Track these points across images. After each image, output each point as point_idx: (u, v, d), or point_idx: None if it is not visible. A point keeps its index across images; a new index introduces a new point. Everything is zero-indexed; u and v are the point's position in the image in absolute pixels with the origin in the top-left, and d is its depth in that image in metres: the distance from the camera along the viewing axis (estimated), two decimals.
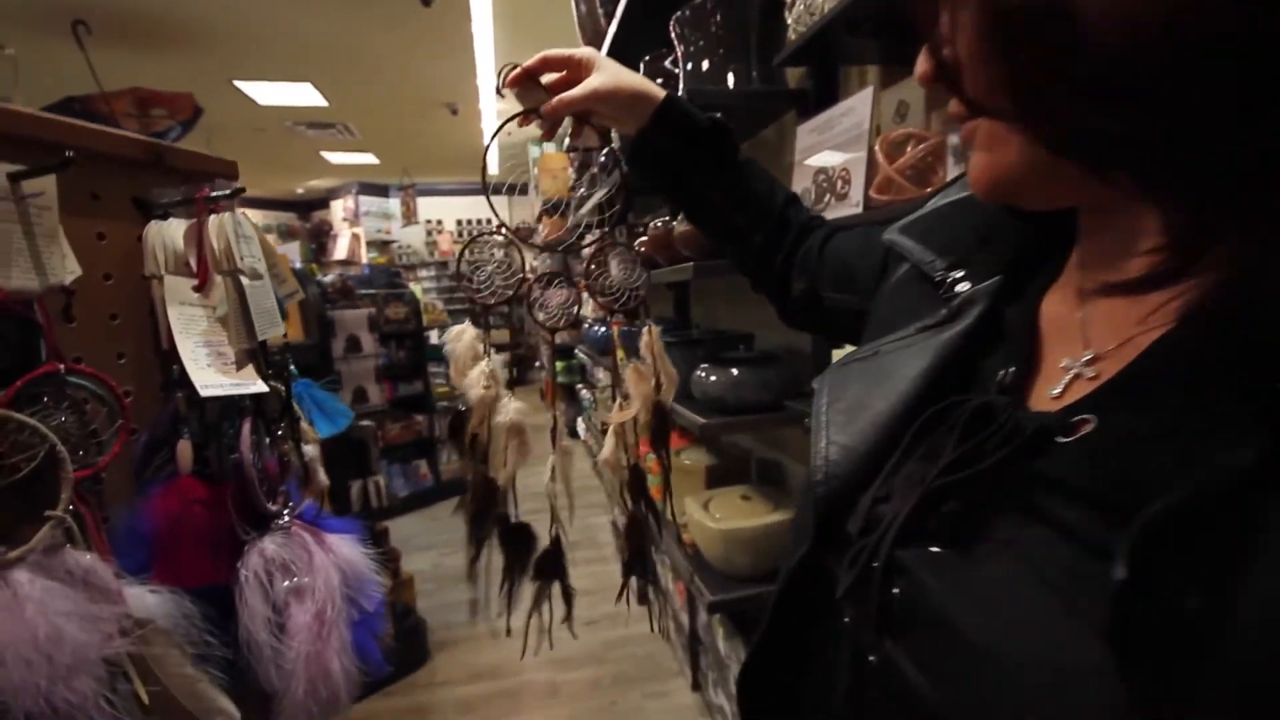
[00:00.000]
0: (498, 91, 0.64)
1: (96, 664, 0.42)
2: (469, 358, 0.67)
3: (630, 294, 0.71)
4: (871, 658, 0.33)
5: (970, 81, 0.30)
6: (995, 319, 0.38)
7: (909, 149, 0.97)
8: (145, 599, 0.45)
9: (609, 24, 2.02)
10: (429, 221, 8.56)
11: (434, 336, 5.35)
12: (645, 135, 0.62)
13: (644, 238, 1.87)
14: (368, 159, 7.06)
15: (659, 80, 1.68)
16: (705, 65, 1.39)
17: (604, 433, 0.74)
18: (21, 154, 0.51)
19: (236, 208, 0.60)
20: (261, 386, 0.58)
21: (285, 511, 0.59)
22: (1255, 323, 0.24)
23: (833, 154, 1.16)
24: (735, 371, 1.50)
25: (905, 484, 0.34)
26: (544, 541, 0.74)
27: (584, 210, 0.74)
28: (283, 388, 0.60)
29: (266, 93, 4.61)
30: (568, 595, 0.74)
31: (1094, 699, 0.22)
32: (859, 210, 1.07)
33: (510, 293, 0.68)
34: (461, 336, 0.68)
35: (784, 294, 0.65)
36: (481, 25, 3.68)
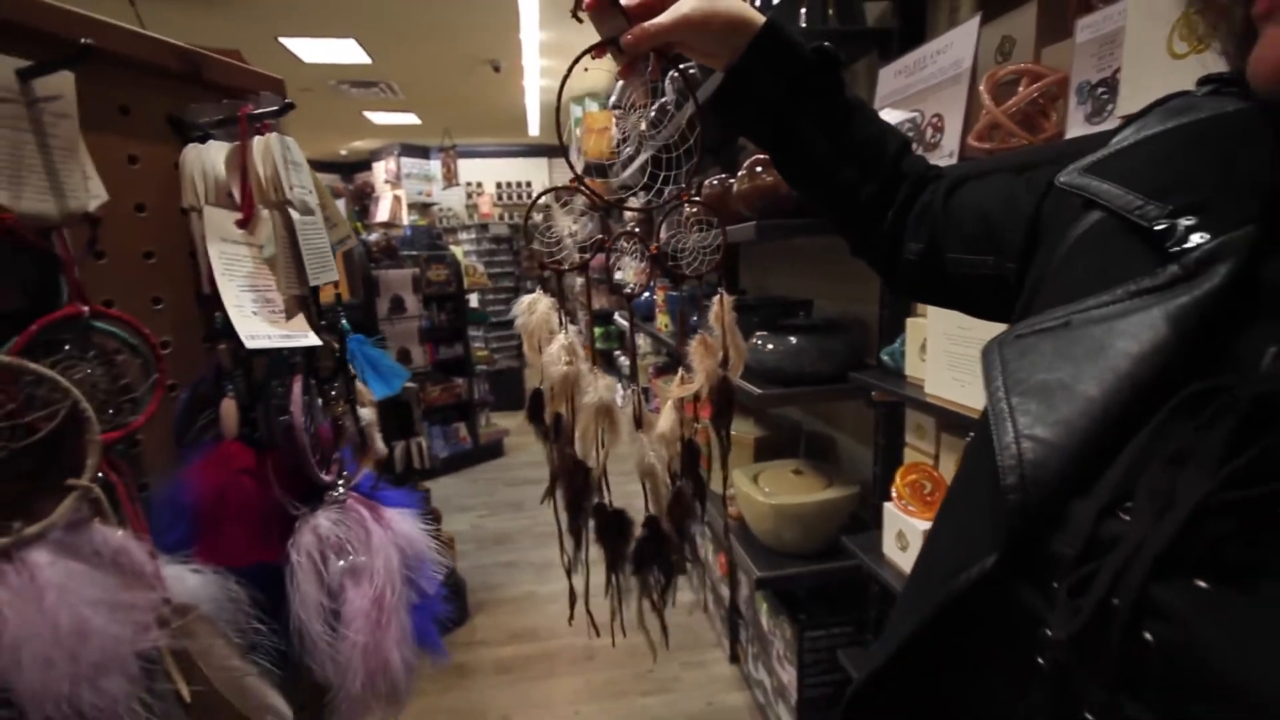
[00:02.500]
0: (574, 14, 0.55)
1: (130, 661, 0.36)
2: (545, 330, 0.60)
3: (706, 258, 0.63)
4: (1089, 716, 0.25)
5: None
6: (1250, 281, 0.29)
7: (1021, 87, 0.85)
8: (186, 580, 0.39)
9: None
10: (469, 184, 8.52)
11: (474, 300, 5.37)
12: (741, 70, 0.53)
13: (696, 197, 1.78)
14: (410, 119, 7.01)
15: None
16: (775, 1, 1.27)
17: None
18: (34, 51, 0.43)
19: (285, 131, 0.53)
20: (314, 339, 0.51)
21: (339, 482, 0.53)
22: None
23: (920, 92, 1.04)
24: (795, 340, 1.40)
25: (1149, 495, 0.26)
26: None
27: (639, 159, 0.66)
28: (336, 343, 0.54)
29: (311, 49, 4.57)
30: (669, 579, 0.68)
31: None
32: (953, 159, 0.96)
33: (589, 256, 0.61)
34: (535, 307, 0.60)
35: (895, 256, 0.56)
36: None
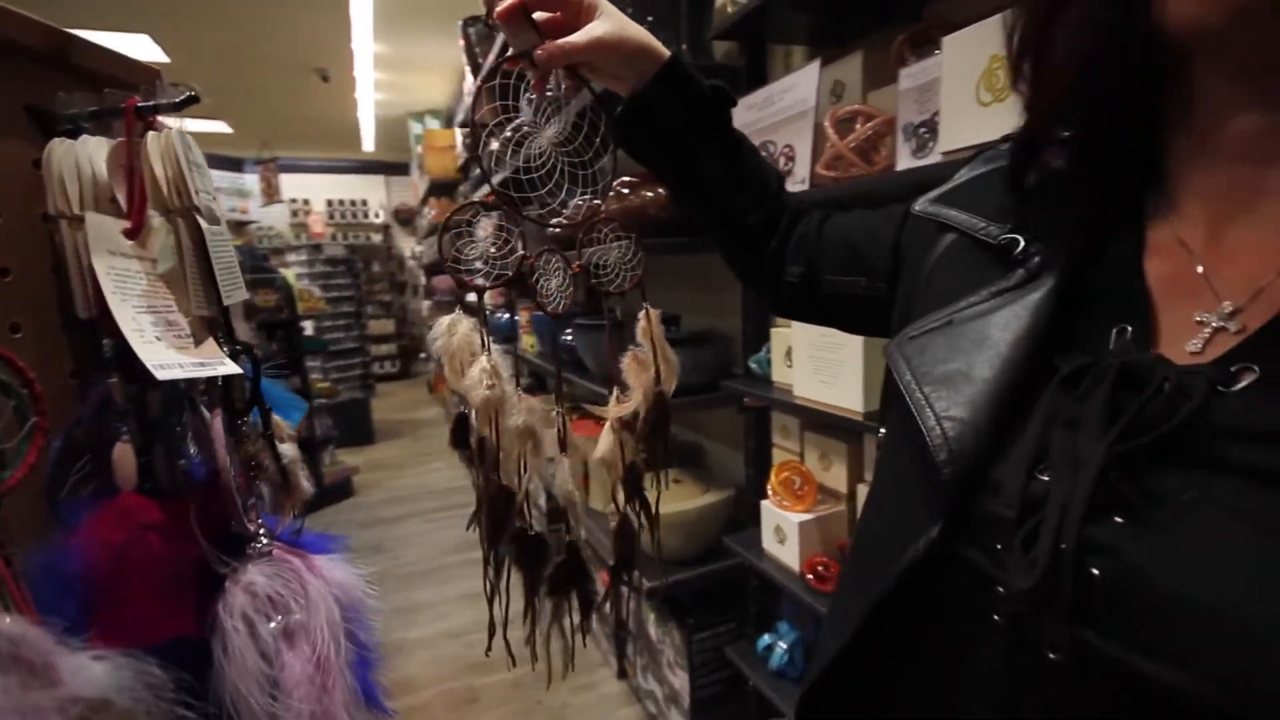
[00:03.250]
0: (484, 22, 0.54)
1: None
2: (467, 353, 0.57)
3: (627, 274, 0.64)
4: (1053, 655, 0.30)
5: None
6: (1078, 276, 0.37)
7: (858, 125, 0.98)
8: (90, 670, 0.31)
9: None
10: (294, 200, 7.77)
11: (309, 327, 4.87)
12: (646, 96, 0.56)
13: (561, 219, 1.79)
14: (218, 127, 6.25)
15: None
16: None
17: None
18: None
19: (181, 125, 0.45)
20: (232, 367, 0.43)
21: (261, 531, 0.45)
22: None
23: (770, 125, 1.15)
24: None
25: (1062, 455, 0.31)
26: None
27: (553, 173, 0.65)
28: (250, 370, 0.46)
29: (97, 42, 3.91)
30: (587, 604, 0.67)
31: None
32: (805, 187, 1.07)
33: (509, 274, 0.59)
34: (455, 329, 0.57)
35: (778, 280, 0.62)
36: None
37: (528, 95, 0.57)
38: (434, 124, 5.90)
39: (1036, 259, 0.39)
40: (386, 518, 3.61)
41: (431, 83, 5.34)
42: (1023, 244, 0.40)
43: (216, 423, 0.44)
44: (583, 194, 0.60)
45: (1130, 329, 0.34)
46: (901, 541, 0.36)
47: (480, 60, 2.68)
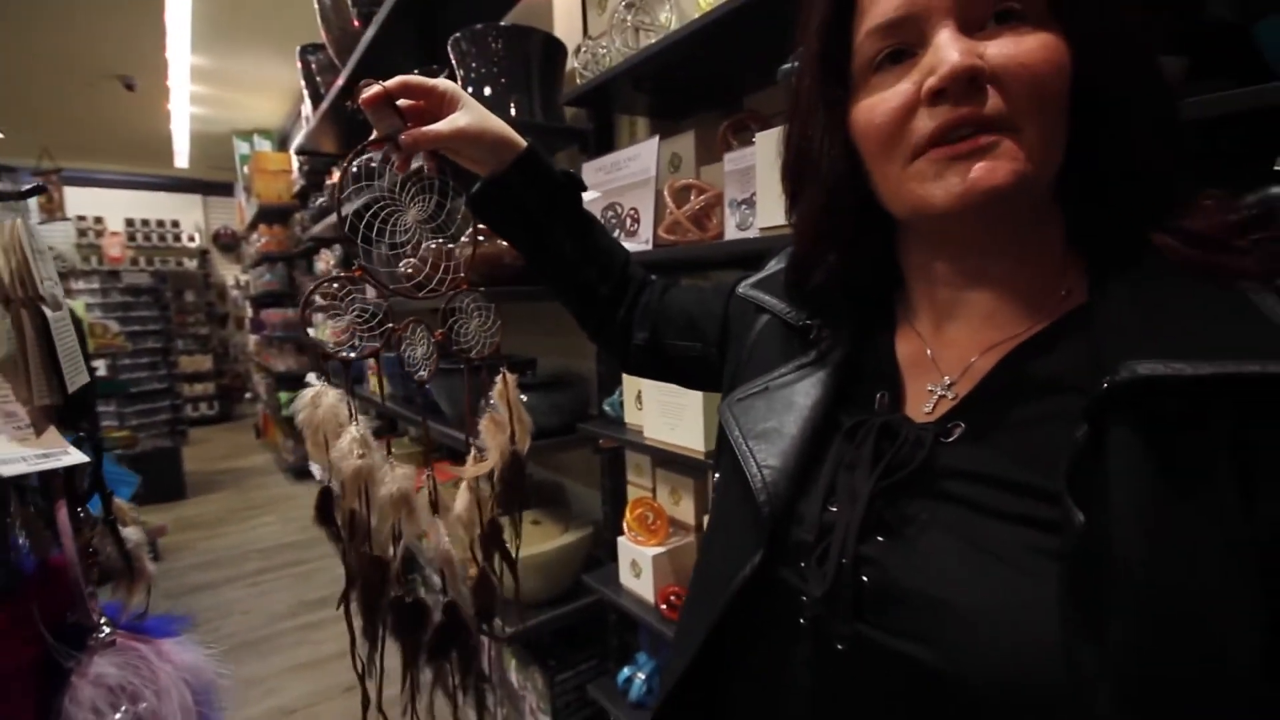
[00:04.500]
0: (350, 106, 0.56)
1: None
2: (334, 424, 0.57)
3: (486, 341, 0.68)
4: (840, 646, 0.39)
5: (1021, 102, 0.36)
6: (856, 356, 0.48)
7: (692, 197, 1.11)
8: None
9: (364, 26, 1.86)
10: (83, 219, 6.67)
11: (101, 368, 4.18)
12: (503, 180, 0.61)
13: (412, 260, 1.76)
14: None
15: None
16: (488, 91, 1.39)
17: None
18: None
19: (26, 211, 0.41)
20: (79, 456, 0.40)
21: (103, 621, 0.41)
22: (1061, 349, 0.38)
23: (617, 189, 1.25)
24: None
25: (844, 491, 0.41)
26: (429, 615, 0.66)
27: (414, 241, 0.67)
28: (91, 455, 0.42)
29: None
30: (467, 662, 0.67)
31: (1031, 614, 0.32)
32: (649, 247, 1.18)
33: (377, 345, 0.60)
34: (319, 401, 0.57)
35: (626, 343, 0.69)
36: None
37: (390, 175, 0.60)
38: (264, 145, 5.45)
39: (826, 340, 0.50)
40: (199, 584, 3.15)
41: (260, 101, 4.94)
42: (817, 327, 0.51)
43: (61, 514, 0.41)
44: (434, 239, 0.64)
45: (887, 395, 0.46)
46: (733, 567, 0.44)
47: (322, 91, 2.56)
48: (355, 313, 0.58)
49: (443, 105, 0.58)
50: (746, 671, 0.47)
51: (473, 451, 0.69)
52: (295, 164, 4.32)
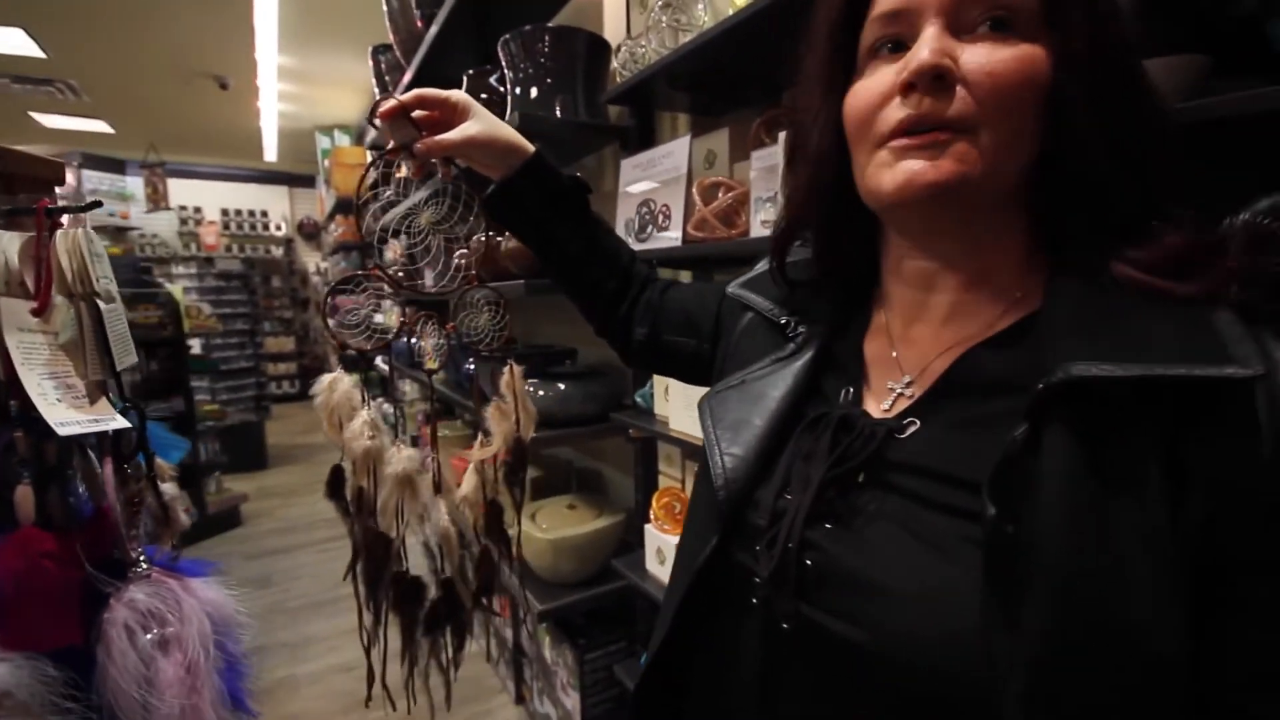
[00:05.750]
0: (369, 121, 0.62)
1: None
2: (347, 408, 0.63)
3: (496, 335, 0.73)
4: (785, 625, 0.41)
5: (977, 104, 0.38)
6: (827, 352, 0.51)
7: (720, 194, 1.12)
8: None
9: (427, 27, 1.96)
10: (183, 208, 7.26)
11: (196, 346, 4.57)
12: (512, 184, 0.65)
13: (463, 251, 1.85)
14: (97, 126, 5.78)
15: (483, 97, 1.68)
16: (534, 92, 1.44)
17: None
18: None
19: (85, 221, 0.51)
20: (122, 422, 0.49)
21: (141, 558, 0.51)
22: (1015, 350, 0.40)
23: (652, 185, 1.28)
24: (563, 386, 1.56)
25: (798, 480, 0.44)
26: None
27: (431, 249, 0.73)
28: (137, 423, 0.52)
29: None
30: (461, 636, 0.73)
31: (955, 601, 0.34)
32: (679, 242, 1.20)
33: (390, 338, 0.66)
34: (336, 386, 0.64)
35: (628, 337, 0.73)
36: None
37: (402, 179, 0.66)
38: (343, 139, 5.76)
39: (801, 335, 0.52)
40: (276, 548, 3.43)
41: (340, 98, 5.22)
42: (794, 323, 0.53)
43: (107, 468, 0.50)
44: (457, 253, 0.69)
45: (852, 390, 0.48)
46: (696, 550, 0.48)
47: (390, 88, 2.70)
48: (371, 308, 0.64)
49: (455, 115, 0.63)
50: (705, 647, 0.50)
51: (479, 437, 0.74)
52: (368, 158, 4.55)
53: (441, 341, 0.71)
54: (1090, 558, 0.31)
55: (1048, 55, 0.37)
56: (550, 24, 1.42)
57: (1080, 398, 0.33)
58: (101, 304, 0.51)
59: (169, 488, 0.56)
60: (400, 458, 0.66)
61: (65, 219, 0.51)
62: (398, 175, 0.67)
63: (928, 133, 0.38)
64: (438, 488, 0.71)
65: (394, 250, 3.77)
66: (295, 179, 7.81)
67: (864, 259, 0.51)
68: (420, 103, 0.62)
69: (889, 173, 0.40)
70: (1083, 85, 0.37)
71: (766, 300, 0.57)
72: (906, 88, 0.39)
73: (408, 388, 3.46)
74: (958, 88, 0.37)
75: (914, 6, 0.39)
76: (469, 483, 0.74)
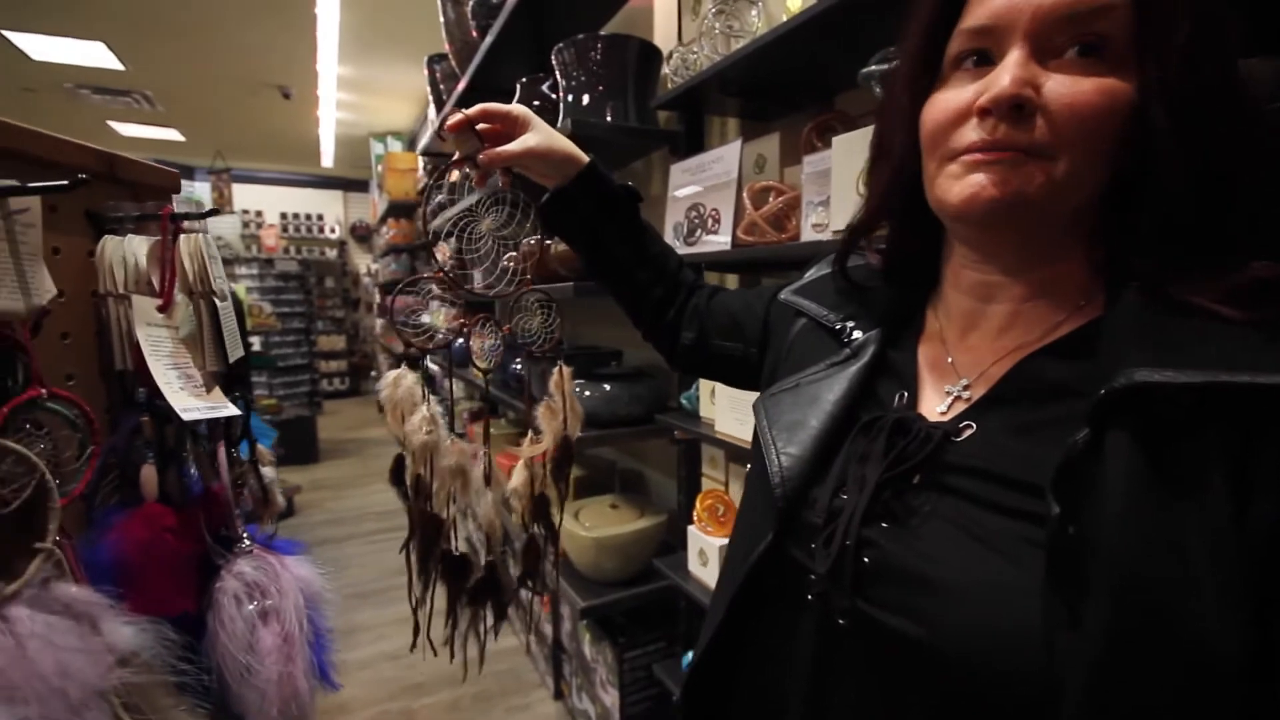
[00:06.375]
0: (439, 134, 0.67)
1: (100, 699, 0.41)
2: (409, 403, 0.68)
3: (547, 336, 0.76)
4: (841, 620, 0.42)
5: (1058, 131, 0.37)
6: (882, 357, 0.51)
7: (771, 199, 1.13)
8: (125, 630, 0.43)
9: (482, 37, 2.02)
10: (246, 212, 7.63)
11: (256, 343, 4.79)
12: (567, 192, 0.68)
13: (513, 254, 1.90)
14: (169, 135, 6.14)
15: (535, 104, 1.73)
16: (586, 99, 1.47)
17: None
18: None
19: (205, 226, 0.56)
20: (233, 409, 0.55)
21: (245, 535, 0.56)
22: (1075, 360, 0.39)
23: (700, 189, 1.30)
24: (609, 387, 1.58)
25: (854, 480, 0.45)
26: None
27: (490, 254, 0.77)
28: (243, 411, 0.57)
29: (43, 46, 3.84)
30: (500, 611, 0.77)
31: (1016, 599, 0.34)
32: (728, 246, 1.21)
33: (452, 337, 0.70)
34: (400, 383, 0.68)
35: (674, 341, 0.75)
36: (327, 5, 3.42)
37: (458, 184, 0.69)
38: (396, 145, 5.97)
39: (858, 340, 0.53)
40: (328, 538, 3.57)
41: (395, 106, 5.41)
42: (849, 329, 0.54)
43: (221, 452, 0.55)
44: (508, 257, 0.72)
45: (906, 394, 0.48)
46: (751, 546, 0.49)
47: (445, 96, 2.79)
48: (423, 309, 0.68)
49: (515, 128, 0.66)
50: (758, 641, 0.51)
51: (529, 434, 0.77)
52: (420, 163, 4.70)
53: (497, 342, 0.74)
54: (1153, 560, 0.31)
55: (1135, 87, 0.37)
56: (602, 32, 1.45)
57: (1143, 404, 0.33)
58: (217, 301, 0.56)
59: (268, 471, 0.61)
60: (453, 451, 0.69)
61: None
62: (450, 179, 0.71)
63: (1003, 150, 0.38)
64: (487, 479, 0.75)
65: (443, 252, 3.90)
66: (349, 184, 8.12)
67: (928, 263, 0.52)
68: (484, 116, 0.66)
69: (957, 185, 0.41)
70: (1170, 120, 0.36)
71: (820, 306, 0.58)
72: (983, 112, 0.39)
73: (449, 386, 3.55)
74: (1037, 115, 0.38)
75: (1003, 25, 0.39)
76: (519, 476, 0.77)
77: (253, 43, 3.94)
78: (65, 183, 0.48)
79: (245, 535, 0.56)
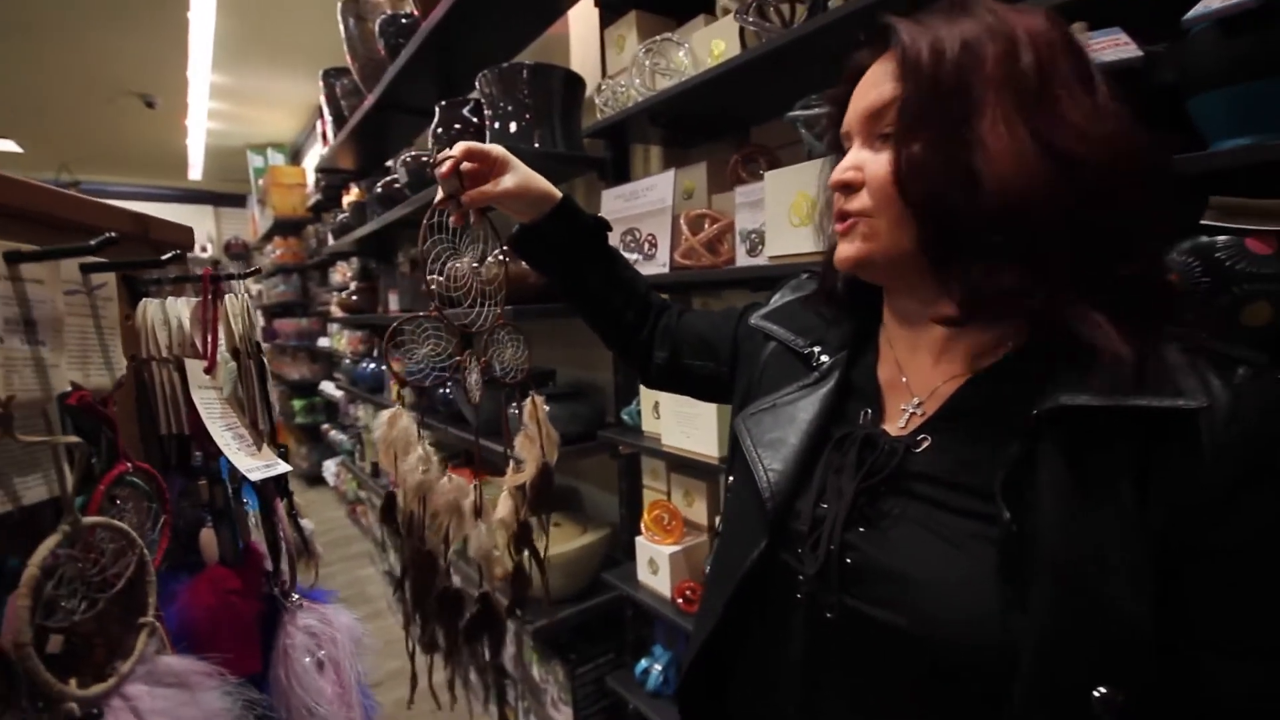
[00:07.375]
0: (429, 173, 0.68)
1: None
2: (404, 442, 0.68)
3: (518, 369, 0.79)
4: (829, 614, 0.49)
5: (877, 197, 0.48)
6: (848, 378, 0.59)
7: (706, 225, 1.21)
8: (217, 695, 0.41)
9: (391, 55, 1.98)
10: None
11: None
12: (541, 226, 0.72)
13: (478, 325, 1.87)
14: (3, 145, 5.39)
15: (456, 126, 1.72)
16: (513, 126, 1.50)
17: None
18: (8, 227, 0.43)
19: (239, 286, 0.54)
20: (285, 467, 0.53)
21: (291, 590, 0.54)
22: (1016, 377, 0.47)
23: (634, 214, 1.36)
24: (549, 407, 1.60)
25: (832, 491, 0.52)
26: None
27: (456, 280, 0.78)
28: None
29: None
30: (497, 645, 0.78)
31: (976, 588, 0.42)
32: (666, 270, 1.28)
33: (447, 376, 0.71)
34: (396, 423, 0.68)
35: (648, 360, 0.80)
36: (202, 9, 3.17)
37: (443, 224, 0.72)
38: (278, 158, 5.58)
39: (825, 363, 0.60)
40: None
41: (275, 117, 5.07)
42: (817, 353, 0.61)
43: (279, 507, 0.54)
44: (472, 263, 0.75)
45: (870, 411, 0.56)
46: (744, 553, 0.55)
47: (346, 113, 2.68)
48: (430, 347, 0.69)
49: (494, 169, 0.69)
50: (752, 638, 0.57)
51: (511, 463, 0.80)
52: (312, 179, 4.44)
53: (480, 377, 0.76)
54: (1079, 551, 0.40)
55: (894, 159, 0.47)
56: (524, 60, 1.48)
57: (1065, 421, 0.42)
58: (265, 361, 0.55)
59: (307, 523, 0.60)
60: (449, 488, 0.71)
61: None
62: (451, 221, 0.73)
63: (845, 220, 0.52)
64: (478, 512, 0.76)
65: (341, 273, 3.70)
66: (221, 198, 7.47)
67: (867, 301, 0.61)
68: (469, 156, 0.68)
69: (838, 248, 0.53)
70: (910, 181, 0.45)
71: (789, 331, 0.65)
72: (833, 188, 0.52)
73: (360, 414, 3.38)
74: (864, 188, 0.50)
75: (849, 129, 0.53)
76: (504, 506, 0.79)
77: (108, 45, 3.56)
78: (161, 257, 0.50)
79: (293, 591, 0.55)
